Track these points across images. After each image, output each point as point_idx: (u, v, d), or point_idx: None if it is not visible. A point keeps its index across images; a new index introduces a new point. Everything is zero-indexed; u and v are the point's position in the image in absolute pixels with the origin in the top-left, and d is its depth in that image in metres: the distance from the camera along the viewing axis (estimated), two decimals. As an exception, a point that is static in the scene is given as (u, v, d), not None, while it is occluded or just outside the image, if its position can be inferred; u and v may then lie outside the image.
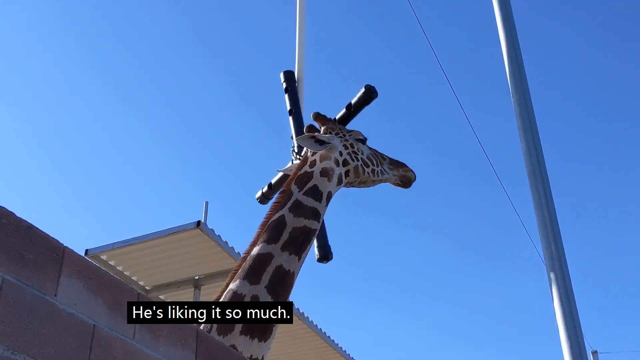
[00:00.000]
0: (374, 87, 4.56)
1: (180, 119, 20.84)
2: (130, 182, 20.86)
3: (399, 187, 4.41)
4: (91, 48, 19.60)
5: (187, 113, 20.70)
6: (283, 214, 3.73)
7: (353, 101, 4.59)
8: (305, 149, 4.36)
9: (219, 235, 8.50)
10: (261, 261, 3.53)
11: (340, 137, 4.23)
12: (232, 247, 8.63)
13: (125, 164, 20.71)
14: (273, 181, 5.15)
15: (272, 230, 3.66)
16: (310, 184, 3.88)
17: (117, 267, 8.95)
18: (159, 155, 21.02)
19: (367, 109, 4.64)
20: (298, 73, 5.80)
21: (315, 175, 3.92)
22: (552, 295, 4.47)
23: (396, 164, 4.38)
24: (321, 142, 4.01)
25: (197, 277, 9.10)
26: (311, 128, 4.40)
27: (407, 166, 4.40)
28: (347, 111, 4.60)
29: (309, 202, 3.79)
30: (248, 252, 3.65)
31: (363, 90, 4.54)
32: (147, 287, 9.26)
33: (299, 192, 3.83)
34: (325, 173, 3.96)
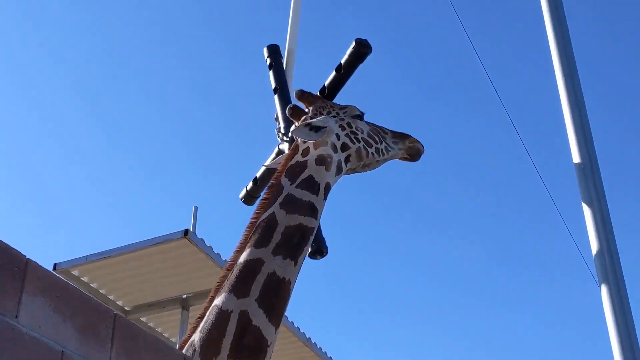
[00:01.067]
0: (366, 41, 4.53)
1: (163, 115, 20.69)
2: (106, 185, 20.66)
3: (407, 161, 4.48)
4: (56, 47, 19.58)
5: (170, 109, 20.55)
6: (273, 212, 3.74)
7: (343, 61, 4.58)
8: (292, 127, 4.40)
9: (210, 246, 8.49)
10: (249, 269, 3.54)
11: (334, 117, 4.23)
12: (225, 261, 7.88)
13: (100, 166, 20.58)
14: (258, 175, 5.19)
15: (261, 232, 3.67)
16: (304, 175, 3.89)
17: (92, 284, 8.98)
18: (139, 156, 20.87)
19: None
20: (289, 46, 5.91)
21: (310, 165, 3.93)
22: (604, 307, 4.42)
23: (400, 136, 4.43)
24: (317, 129, 4.01)
25: (185, 296, 9.15)
26: (295, 109, 4.42)
27: (412, 137, 4.45)
28: (337, 74, 4.61)
29: (304, 195, 3.80)
30: (234, 259, 3.65)
31: (353, 44, 4.52)
32: (126, 308, 9.32)
33: (291, 185, 3.84)
34: (322, 161, 3.96)
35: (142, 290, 9.11)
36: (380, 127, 4.41)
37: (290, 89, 5.40)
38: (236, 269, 3.59)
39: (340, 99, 4.79)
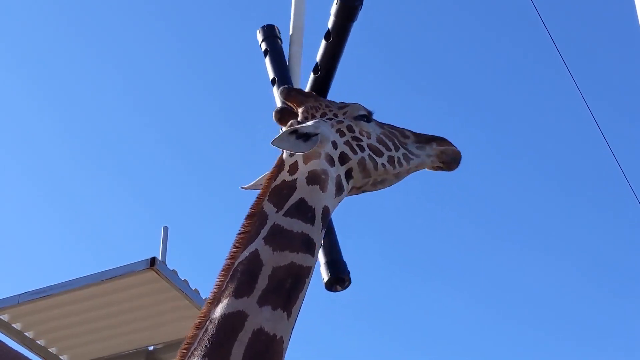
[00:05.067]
0: None
1: (119, 95, 18.41)
2: (46, 200, 18.49)
3: (442, 171, 4.31)
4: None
5: (127, 87, 18.32)
6: (256, 249, 3.58)
7: (330, 24, 4.48)
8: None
9: (184, 280, 8.05)
10: (229, 326, 3.38)
11: (330, 119, 4.06)
12: (205, 300, 7.40)
13: (39, 171, 18.33)
14: None
15: (241, 277, 3.52)
16: (293, 199, 3.73)
17: (26, 333, 8.40)
18: (86, 160, 18.59)
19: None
20: (294, 23, 5.69)
21: (300, 185, 3.77)
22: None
23: (427, 140, 4.25)
24: (307, 137, 3.83)
25: (151, 348, 8.73)
26: (283, 113, 4.27)
27: (444, 139, 4.27)
28: (326, 42, 4.52)
29: (295, 225, 3.64)
30: (205, 314, 3.48)
31: (337, 1, 4.41)
32: (71, 365, 8.80)
33: (277, 212, 3.70)
34: (315, 179, 3.79)
35: (94, 341, 8.56)
36: (400, 130, 4.20)
37: (297, 79, 5.26)
38: (210, 327, 3.40)
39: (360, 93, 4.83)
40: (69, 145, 18.79)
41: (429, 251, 19.87)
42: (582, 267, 19.62)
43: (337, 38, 4.50)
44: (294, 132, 3.83)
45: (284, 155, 3.94)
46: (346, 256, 4.54)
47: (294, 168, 3.82)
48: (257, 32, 5.38)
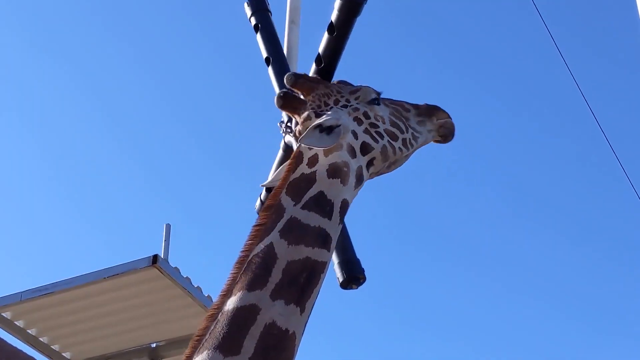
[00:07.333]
0: None
1: (126, 90, 18.37)
2: (48, 198, 18.46)
3: (438, 143, 4.32)
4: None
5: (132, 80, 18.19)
6: (271, 242, 3.56)
7: (333, 18, 4.38)
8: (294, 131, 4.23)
9: (187, 277, 8.07)
10: (241, 319, 3.38)
11: (345, 107, 4.00)
12: (208, 297, 8.15)
13: (41, 170, 18.25)
14: (262, 196, 4.92)
15: (255, 270, 3.50)
16: (312, 192, 3.68)
17: (29, 330, 8.41)
18: (87, 156, 18.53)
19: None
20: (292, 2, 5.62)
21: (320, 178, 3.71)
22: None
23: (427, 113, 4.23)
24: (329, 129, 3.76)
25: (154, 345, 8.74)
26: (286, 99, 4.13)
27: (440, 110, 4.27)
28: (330, 36, 4.46)
29: (312, 219, 3.61)
30: (218, 306, 3.47)
31: None
32: (74, 363, 8.77)
33: (294, 205, 3.66)
34: (336, 172, 3.74)
35: (97, 339, 8.61)
36: (400, 104, 4.17)
37: (294, 61, 5.18)
38: (222, 319, 3.38)
39: (351, 72, 4.63)
40: (70, 143, 18.83)
41: (449, 236, 19.85)
42: (604, 253, 19.69)
43: (340, 32, 4.44)
44: (317, 127, 3.77)
45: (302, 147, 3.86)
46: (362, 241, 4.48)
47: (313, 160, 3.76)
48: (245, 4, 5.20)
